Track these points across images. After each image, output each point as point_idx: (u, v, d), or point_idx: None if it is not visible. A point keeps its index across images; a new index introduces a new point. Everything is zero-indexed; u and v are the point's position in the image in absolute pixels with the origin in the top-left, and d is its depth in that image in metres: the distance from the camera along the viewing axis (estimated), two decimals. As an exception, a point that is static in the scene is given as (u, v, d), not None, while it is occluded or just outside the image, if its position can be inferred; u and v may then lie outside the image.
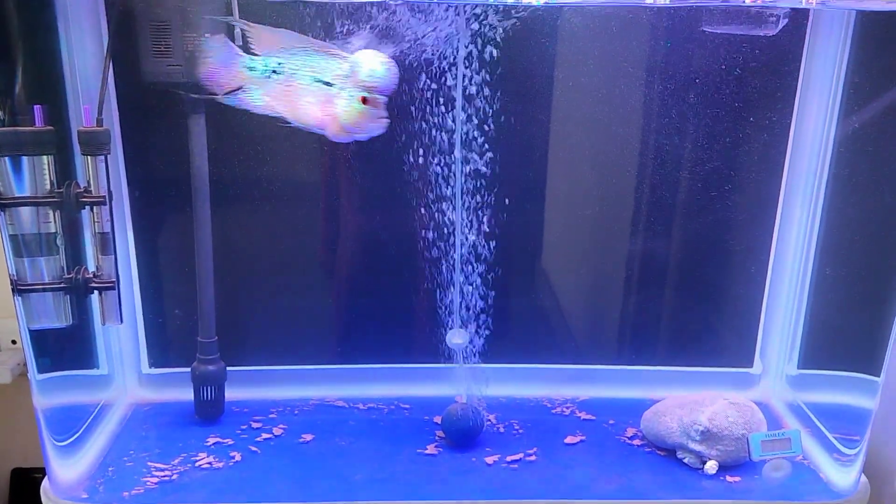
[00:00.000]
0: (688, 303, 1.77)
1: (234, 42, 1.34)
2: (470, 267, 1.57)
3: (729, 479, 1.48)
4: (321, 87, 1.22)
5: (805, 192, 1.64)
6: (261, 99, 1.26)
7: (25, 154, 1.26)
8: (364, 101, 1.21)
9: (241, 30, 1.26)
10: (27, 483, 2.04)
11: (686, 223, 1.71)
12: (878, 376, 1.43)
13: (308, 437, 1.59)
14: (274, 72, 1.24)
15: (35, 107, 1.26)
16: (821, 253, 1.62)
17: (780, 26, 1.43)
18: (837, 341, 1.63)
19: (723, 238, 1.71)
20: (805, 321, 1.68)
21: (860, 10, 1.46)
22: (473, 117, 1.48)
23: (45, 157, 1.28)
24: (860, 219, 1.55)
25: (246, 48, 1.27)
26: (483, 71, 1.45)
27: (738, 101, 1.59)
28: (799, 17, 1.50)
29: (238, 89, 1.27)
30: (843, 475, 1.47)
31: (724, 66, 1.55)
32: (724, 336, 1.79)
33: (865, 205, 1.53)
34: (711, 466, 1.49)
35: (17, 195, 1.27)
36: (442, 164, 1.51)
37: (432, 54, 1.40)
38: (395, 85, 1.24)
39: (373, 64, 1.21)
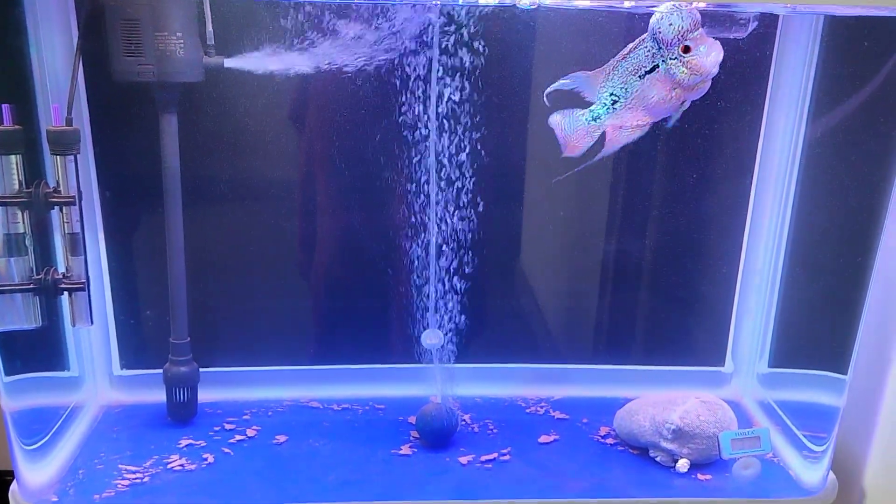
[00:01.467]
0: (660, 303, 1.79)
1: (207, 39, 1.35)
2: (444, 267, 1.57)
3: (700, 477, 1.50)
4: (652, 77, 1.21)
5: (775, 194, 1.66)
6: (625, 131, 1.27)
7: (-7, 153, 1.25)
8: (686, 49, 1.19)
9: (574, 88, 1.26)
10: (-4, 486, 2.01)
11: (658, 224, 1.72)
12: (846, 374, 1.45)
13: (282, 438, 1.58)
14: (615, 101, 1.25)
15: (3, 105, 1.25)
16: (790, 254, 1.64)
17: (750, 29, 1.45)
18: (807, 340, 1.65)
19: (695, 239, 1.73)
20: (775, 321, 1.70)
21: (828, 14, 1.48)
22: (450, 118, 1.48)
23: (13, 157, 1.27)
24: (829, 220, 1.57)
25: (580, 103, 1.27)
26: (459, 71, 1.45)
27: (708, 104, 1.60)
28: (768, 21, 1.52)
29: (600, 139, 1.28)
30: (811, 472, 1.50)
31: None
32: (696, 335, 1.81)
33: (834, 207, 1.56)
34: (683, 465, 1.50)
35: (-16, 195, 1.26)
36: (417, 165, 1.51)
37: (407, 51, 1.41)
38: (700, 17, 1.19)
39: (667, 19, 1.17)
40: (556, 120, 1.30)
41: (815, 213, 1.59)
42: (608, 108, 1.25)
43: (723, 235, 1.72)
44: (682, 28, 1.18)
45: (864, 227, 1.45)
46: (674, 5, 1.18)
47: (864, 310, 1.43)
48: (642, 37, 1.21)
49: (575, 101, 1.28)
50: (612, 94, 1.24)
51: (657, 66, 1.21)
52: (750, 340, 1.77)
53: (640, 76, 1.22)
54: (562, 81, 1.26)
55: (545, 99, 1.27)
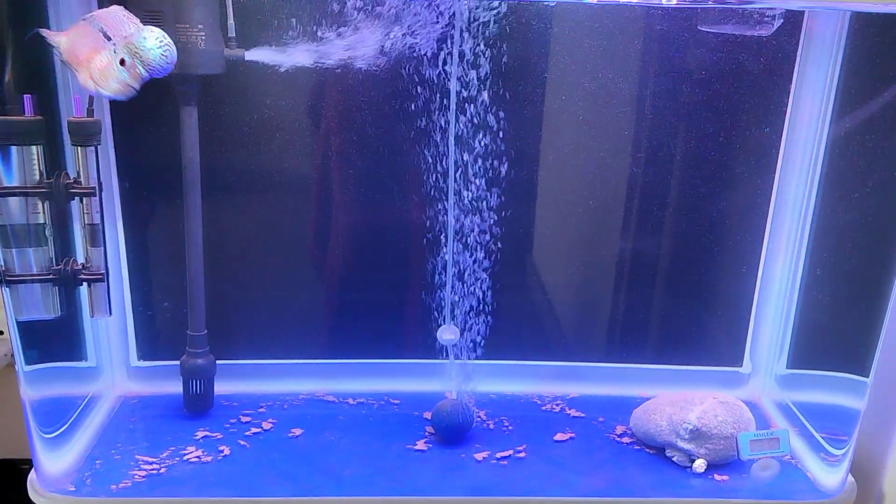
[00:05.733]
0: (679, 302, 1.77)
1: (227, 26, 1.34)
2: (461, 263, 1.56)
3: (717, 477, 1.49)
4: (99, 36, 1.20)
5: (797, 193, 1.65)
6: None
7: (14, 144, 1.25)
8: (122, 62, 1.19)
9: None
10: (13, 474, 2.03)
11: (678, 223, 1.71)
12: (867, 377, 1.44)
13: (297, 431, 1.58)
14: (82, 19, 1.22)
15: (25, 96, 1.25)
16: (811, 253, 1.63)
17: (776, 27, 1.43)
18: (827, 341, 1.64)
19: (714, 238, 1.71)
20: (795, 321, 1.68)
21: (855, 11, 1.46)
22: (467, 114, 1.47)
23: (34, 147, 1.27)
24: (851, 220, 1.56)
25: None
26: (477, 67, 1.44)
27: (731, 102, 1.59)
28: (794, 19, 1.50)
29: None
30: (830, 475, 1.48)
31: (718, 67, 1.55)
32: (714, 335, 1.80)
33: (856, 206, 1.54)
34: (700, 465, 1.49)
35: (5, 185, 1.26)
36: (435, 160, 1.51)
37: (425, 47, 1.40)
38: (165, 69, 1.20)
39: (148, 37, 1.19)
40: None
41: (838, 212, 1.58)
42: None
43: (743, 234, 1.70)
44: (150, 56, 1.18)
45: (888, 226, 1.43)
46: (171, 48, 1.19)
47: (888, 310, 1.41)
48: (137, 21, 1.20)
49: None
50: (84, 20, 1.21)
51: (110, 37, 1.19)
52: (769, 341, 1.75)
53: (100, 25, 1.19)
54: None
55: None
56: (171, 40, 1.20)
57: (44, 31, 1.25)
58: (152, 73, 1.19)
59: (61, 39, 1.23)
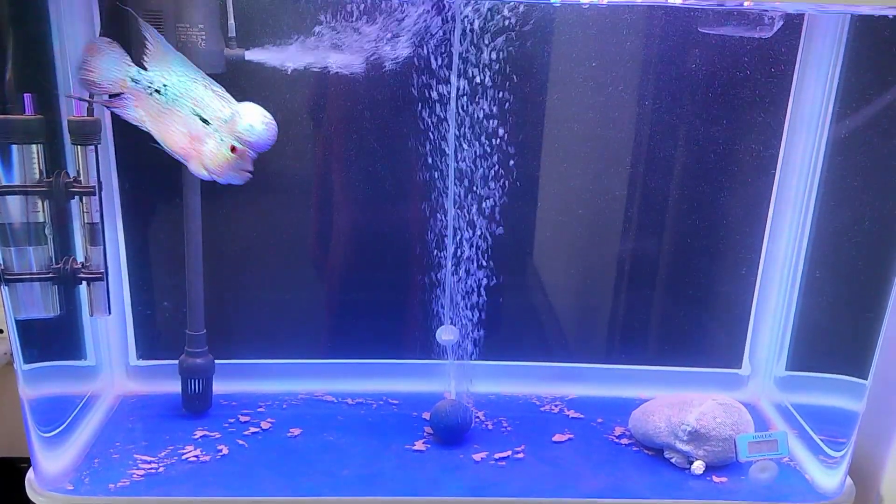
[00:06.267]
0: (678, 303, 1.77)
1: (227, 26, 1.35)
2: (460, 264, 1.56)
3: (716, 479, 1.49)
4: (197, 122, 1.23)
5: (796, 195, 1.64)
6: (135, 111, 1.25)
7: (14, 142, 1.26)
8: (233, 149, 1.22)
9: (145, 38, 1.24)
10: (12, 473, 2.03)
11: (677, 224, 1.71)
12: (866, 379, 1.44)
13: (296, 431, 1.58)
14: (157, 91, 1.24)
15: (25, 95, 1.25)
16: (811, 255, 1.63)
17: (776, 29, 1.43)
18: (826, 344, 1.64)
19: (714, 239, 1.71)
20: (794, 323, 1.68)
21: (855, 14, 1.46)
22: (467, 115, 1.47)
23: (34, 146, 1.27)
24: (851, 222, 1.56)
25: (139, 59, 1.25)
26: (478, 68, 1.44)
27: (731, 103, 1.59)
28: (794, 21, 1.51)
29: (116, 96, 1.25)
30: (828, 477, 1.48)
31: (718, 68, 1.55)
32: (713, 337, 1.80)
33: (856, 208, 1.54)
34: (698, 467, 1.49)
35: (5, 184, 1.27)
36: (435, 161, 1.51)
37: (427, 47, 1.40)
38: (270, 145, 1.24)
39: (253, 119, 1.22)
40: (99, 44, 1.24)
41: (837, 213, 1.58)
42: (148, 87, 1.23)
43: (743, 236, 1.70)
44: (252, 138, 1.22)
45: (887, 229, 1.43)
46: (272, 122, 1.22)
47: (886, 313, 1.41)
48: (232, 100, 1.24)
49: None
50: (165, 86, 1.22)
51: (208, 122, 1.22)
52: (768, 343, 1.75)
53: (191, 108, 1.22)
54: (154, 36, 1.23)
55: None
56: (265, 111, 1.22)
57: (124, 114, 1.25)
58: (261, 150, 1.22)
59: (143, 118, 1.24)
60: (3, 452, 2.02)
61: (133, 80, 1.24)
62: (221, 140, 1.21)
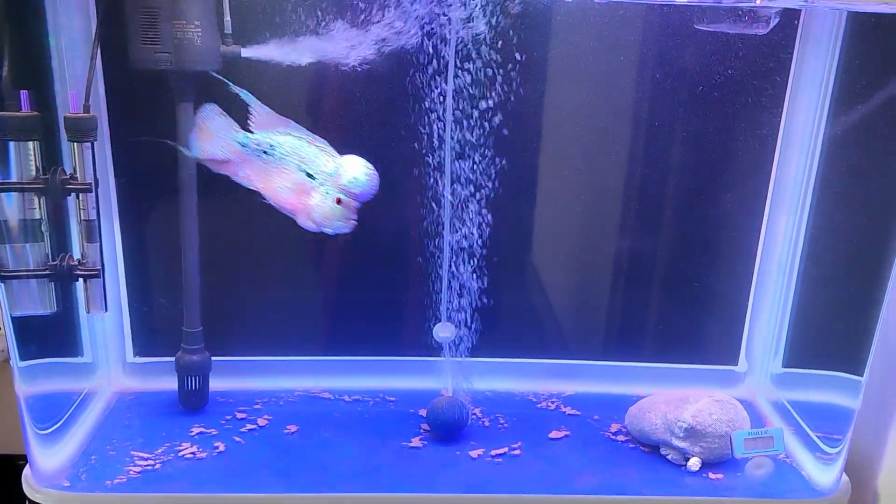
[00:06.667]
0: (674, 300, 1.77)
1: (223, 23, 1.35)
2: (457, 261, 1.56)
3: (712, 475, 1.49)
4: (303, 177, 1.30)
5: (793, 192, 1.65)
6: (244, 172, 1.33)
7: (11, 139, 1.26)
8: (338, 201, 1.29)
9: (250, 108, 1.32)
10: (9, 470, 2.02)
11: (674, 221, 1.71)
12: (862, 376, 1.44)
13: (293, 428, 1.58)
14: (265, 152, 1.31)
15: (21, 92, 1.25)
16: (807, 253, 1.63)
17: (772, 26, 1.43)
18: (822, 341, 1.64)
19: (710, 236, 1.71)
20: (790, 320, 1.69)
21: (851, 10, 1.46)
22: (464, 113, 1.47)
23: (30, 143, 1.27)
24: (847, 220, 1.56)
25: (244, 122, 1.33)
26: (474, 65, 1.44)
27: (727, 101, 1.59)
28: (790, 17, 1.51)
29: (224, 159, 1.33)
30: (824, 473, 1.49)
31: (714, 66, 1.55)
32: (709, 334, 1.80)
33: (852, 206, 1.54)
34: (694, 463, 1.49)
35: (1, 181, 1.27)
36: (432, 158, 1.51)
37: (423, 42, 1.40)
38: (373, 194, 1.31)
39: (357, 171, 1.29)
40: (211, 111, 1.33)
41: (833, 211, 1.58)
42: (256, 150, 1.31)
43: (739, 233, 1.71)
44: (356, 189, 1.29)
45: (883, 226, 1.43)
46: (374, 172, 1.29)
47: (882, 310, 1.41)
48: (335, 155, 1.30)
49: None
50: (271, 146, 1.30)
51: (314, 177, 1.29)
52: (764, 340, 1.76)
53: (298, 166, 1.29)
54: (253, 102, 1.32)
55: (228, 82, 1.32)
56: (366, 161, 1.30)
57: (235, 176, 1.33)
58: (364, 200, 1.29)
59: (252, 179, 1.32)
60: (1, 449, 2.02)
61: (242, 144, 1.32)
62: (327, 193, 1.29)
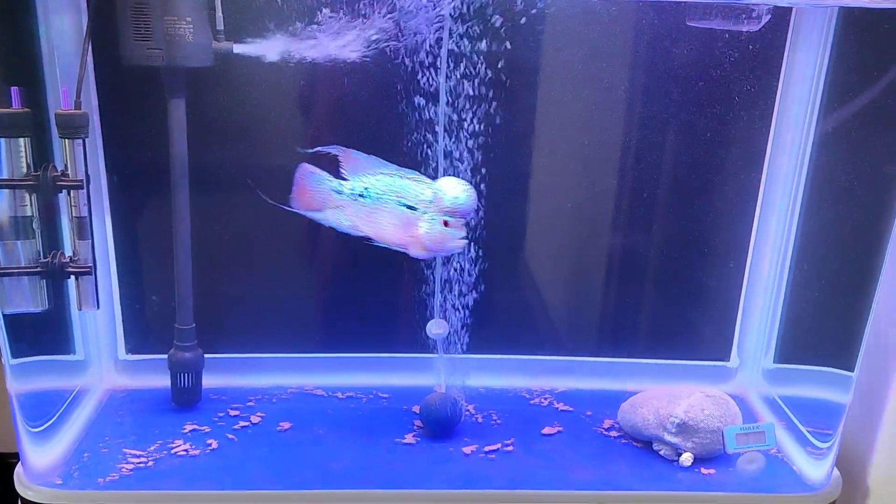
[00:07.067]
0: (666, 297, 1.78)
1: (216, 19, 1.36)
2: (450, 258, 1.56)
3: (704, 471, 1.49)
4: (405, 211, 1.32)
5: (784, 190, 1.65)
6: (347, 219, 1.35)
7: (2, 136, 1.25)
8: (445, 224, 1.31)
9: (336, 156, 1.35)
10: (1, 468, 2.02)
11: (666, 218, 1.72)
12: (852, 372, 1.45)
13: (286, 425, 1.58)
14: (361, 195, 1.33)
15: (12, 88, 1.25)
16: (798, 249, 1.63)
17: (763, 22, 1.44)
18: (813, 337, 1.65)
19: (702, 233, 1.72)
20: (782, 316, 1.69)
21: (843, 6, 1.47)
22: (457, 110, 1.47)
23: (21, 140, 1.27)
24: (838, 216, 1.57)
25: (335, 170, 1.36)
26: (467, 64, 1.44)
27: (718, 98, 1.60)
28: (781, 14, 1.51)
29: (326, 210, 1.36)
30: (816, 468, 1.49)
31: (705, 63, 1.56)
32: (701, 330, 1.81)
33: (843, 203, 1.55)
34: (687, 458, 1.50)
35: (-7, 177, 1.26)
36: (425, 154, 1.50)
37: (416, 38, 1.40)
38: (475, 207, 1.33)
39: (455, 192, 1.31)
40: (305, 170, 1.37)
41: (825, 207, 1.58)
42: (353, 195, 1.33)
43: (731, 229, 1.71)
44: (460, 209, 1.31)
45: (874, 222, 1.44)
46: (471, 188, 1.32)
47: (873, 306, 1.42)
48: (427, 180, 1.32)
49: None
50: (366, 189, 1.32)
51: (416, 208, 1.31)
52: (756, 335, 1.76)
53: (397, 202, 1.31)
54: (334, 148, 1.35)
55: (305, 150, 1.37)
56: (460, 179, 1.33)
57: (339, 225, 1.36)
58: (468, 216, 1.32)
59: (356, 223, 1.35)
60: (-8, 448, 2.02)
61: (338, 192, 1.35)
62: (432, 220, 1.30)
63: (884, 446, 1.51)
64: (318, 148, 1.35)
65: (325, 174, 1.36)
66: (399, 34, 1.37)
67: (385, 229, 1.33)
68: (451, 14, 1.38)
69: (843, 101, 1.51)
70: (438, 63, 1.42)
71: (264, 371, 1.73)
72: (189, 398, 1.61)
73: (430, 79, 1.44)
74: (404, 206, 1.31)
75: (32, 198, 1.29)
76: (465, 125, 1.48)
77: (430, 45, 1.41)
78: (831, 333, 1.57)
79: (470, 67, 1.44)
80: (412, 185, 1.32)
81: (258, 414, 1.62)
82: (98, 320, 1.64)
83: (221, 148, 1.58)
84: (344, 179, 1.35)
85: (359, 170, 1.34)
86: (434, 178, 1.37)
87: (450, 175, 1.43)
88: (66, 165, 1.30)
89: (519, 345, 1.78)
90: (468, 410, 1.65)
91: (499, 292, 1.72)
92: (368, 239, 1.36)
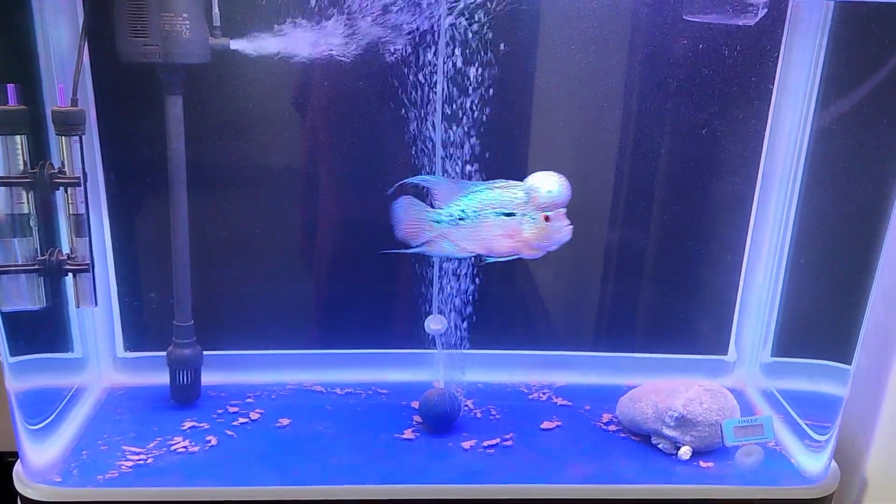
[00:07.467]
0: (664, 291, 1.78)
1: (212, 15, 1.36)
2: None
3: (702, 464, 1.50)
4: (505, 220, 1.33)
5: (781, 183, 1.66)
6: (452, 245, 1.37)
7: (-2, 133, 1.25)
8: (547, 219, 1.32)
9: (428, 188, 1.37)
10: (1, 468, 2.02)
11: (663, 212, 1.72)
12: (850, 365, 1.45)
13: (285, 421, 1.58)
14: (460, 219, 1.35)
15: (8, 85, 1.24)
16: (795, 243, 1.64)
17: (760, 16, 1.44)
18: (811, 330, 1.65)
19: (699, 227, 1.72)
20: (779, 310, 1.70)
21: (839, 0, 1.47)
22: (454, 103, 1.47)
23: (18, 137, 1.26)
24: (834, 210, 1.57)
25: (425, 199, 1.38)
26: (465, 54, 1.44)
27: (715, 92, 1.60)
28: (778, 8, 1.51)
29: (428, 242, 1.38)
30: (814, 461, 1.50)
31: (701, 57, 1.56)
32: (699, 324, 1.81)
33: (840, 196, 1.55)
34: (685, 452, 1.50)
35: (-11, 175, 1.26)
36: (423, 149, 1.50)
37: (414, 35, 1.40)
38: (570, 194, 1.33)
39: (548, 185, 1.32)
40: (402, 204, 1.38)
41: (822, 201, 1.59)
42: (452, 221, 1.35)
43: (728, 223, 1.72)
44: (556, 200, 1.31)
45: (871, 216, 1.44)
46: (562, 177, 1.32)
47: (870, 300, 1.42)
48: (516, 183, 1.33)
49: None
50: (462, 211, 1.34)
51: (514, 213, 1.32)
52: (754, 329, 1.77)
53: (495, 213, 1.32)
54: (422, 178, 1.38)
55: (392, 189, 1.38)
56: (549, 172, 1.32)
57: (444, 252, 1.37)
58: (566, 204, 1.33)
59: (462, 245, 1.36)
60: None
61: (437, 222, 1.36)
62: (533, 219, 1.32)
63: (882, 438, 1.52)
64: (406, 180, 1.38)
65: (423, 205, 1.38)
66: (397, 27, 1.37)
67: (492, 243, 1.35)
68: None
69: (840, 94, 1.51)
70: (437, 56, 1.42)
71: (263, 368, 1.73)
72: (188, 395, 1.61)
73: (430, 71, 1.44)
74: (503, 215, 1.33)
75: (29, 195, 1.29)
76: (462, 118, 1.48)
77: (429, 37, 1.41)
78: (829, 327, 1.58)
79: (469, 59, 1.44)
80: (504, 193, 1.33)
81: (257, 410, 1.62)
82: (96, 318, 1.64)
83: (219, 144, 1.57)
84: (440, 208, 1.37)
85: (450, 196, 1.36)
86: (521, 177, 1.36)
87: (541, 171, 1.39)
88: (62, 163, 1.30)
89: (517, 340, 1.78)
90: (467, 406, 1.65)
91: (497, 288, 1.72)
92: (479, 257, 1.38)
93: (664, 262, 1.77)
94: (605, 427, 1.61)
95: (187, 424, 1.55)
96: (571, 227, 1.34)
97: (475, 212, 1.34)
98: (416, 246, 1.38)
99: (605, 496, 1.42)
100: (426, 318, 1.58)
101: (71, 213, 1.33)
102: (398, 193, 1.38)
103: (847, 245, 1.53)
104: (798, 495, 1.45)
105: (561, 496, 1.42)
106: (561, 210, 1.33)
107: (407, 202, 1.38)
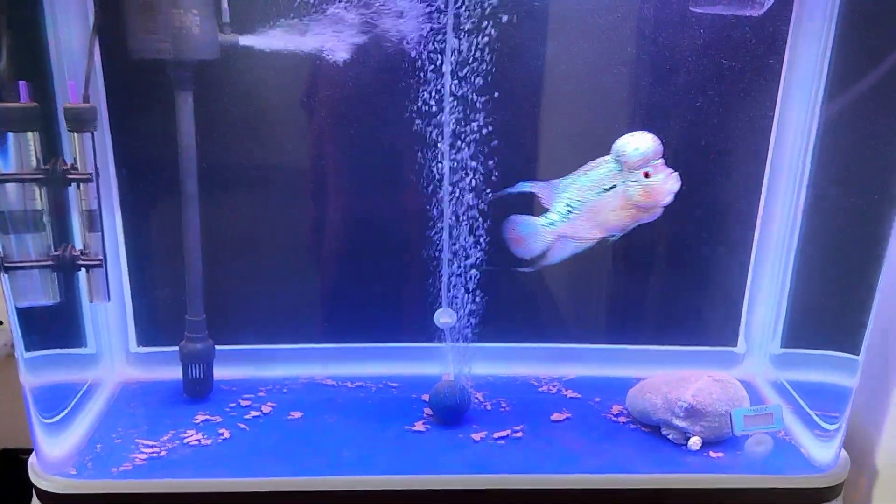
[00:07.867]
0: (673, 282, 1.78)
1: (222, 11, 1.37)
2: (458, 247, 1.57)
3: (712, 454, 1.50)
4: (609, 194, 1.34)
5: (789, 174, 1.66)
6: (573, 241, 1.39)
7: (10, 130, 1.26)
8: (647, 175, 1.32)
9: (535, 193, 1.40)
10: (15, 464, 2.03)
11: (672, 204, 1.71)
12: (859, 355, 1.45)
13: (297, 414, 1.60)
14: (569, 211, 1.36)
15: (20, 82, 1.25)
16: (804, 234, 1.64)
17: (766, 7, 1.44)
18: (820, 321, 1.65)
19: (708, 219, 1.72)
20: (788, 301, 1.70)
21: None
22: (461, 100, 1.48)
23: (30, 134, 1.28)
24: (842, 201, 1.57)
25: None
26: (471, 54, 1.45)
27: (723, 84, 1.60)
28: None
29: (548, 249, 1.40)
30: (823, 450, 1.50)
31: (709, 49, 1.56)
32: (708, 315, 1.81)
33: (848, 187, 1.55)
34: (695, 442, 1.51)
35: (2, 171, 1.27)
36: (432, 146, 1.51)
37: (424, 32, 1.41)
38: (662, 147, 1.33)
39: (634, 144, 1.32)
40: (513, 220, 1.41)
41: (830, 192, 1.59)
42: (563, 217, 1.36)
43: (737, 214, 1.72)
44: (647, 154, 1.31)
45: (879, 207, 1.44)
46: (641, 132, 1.31)
47: (878, 290, 1.42)
48: (605, 158, 1.33)
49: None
50: (567, 205, 1.35)
51: (615, 185, 1.32)
52: (763, 321, 1.77)
53: (597, 193, 1.33)
54: (520, 185, 1.39)
55: (490, 202, 1.42)
56: (631, 132, 1.33)
57: (570, 250, 1.39)
58: (660, 156, 1.33)
59: (584, 236, 1.38)
60: (7, 444, 2.03)
61: (551, 224, 1.39)
62: (634, 181, 1.32)
63: (891, 427, 1.51)
64: (507, 190, 1.40)
65: (530, 217, 1.40)
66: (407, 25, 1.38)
67: (608, 221, 1.36)
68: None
69: (848, 84, 1.51)
70: (444, 56, 1.43)
71: (275, 362, 1.74)
72: (201, 389, 1.63)
73: (437, 70, 1.44)
74: (605, 190, 1.33)
75: (42, 191, 1.30)
76: (468, 111, 1.49)
77: (438, 37, 1.41)
78: (837, 318, 1.58)
79: (474, 58, 1.45)
80: (597, 171, 1.34)
81: (269, 404, 1.63)
82: (109, 313, 1.65)
83: (229, 140, 1.58)
84: (547, 210, 1.39)
85: (553, 195, 1.37)
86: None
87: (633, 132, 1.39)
88: (75, 159, 1.31)
89: (527, 333, 1.79)
90: (477, 398, 1.66)
91: (506, 281, 1.72)
92: (604, 239, 1.39)
93: (673, 254, 1.77)
94: (614, 418, 1.62)
95: (200, 418, 1.57)
96: (675, 173, 1.33)
97: (579, 201, 1.34)
98: (541, 255, 1.40)
99: (615, 486, 1.43)
100: (436, 311, 1.59)
101: (83, 209, 1.34)
102: (492, 208, 1.42)
103: (855, 236, 1.53)
104: (808, 484, 1.46)
105: (571, 486, 1.42)
106: (657, 162, 1.32)
107: (515, 221, 1.40)
